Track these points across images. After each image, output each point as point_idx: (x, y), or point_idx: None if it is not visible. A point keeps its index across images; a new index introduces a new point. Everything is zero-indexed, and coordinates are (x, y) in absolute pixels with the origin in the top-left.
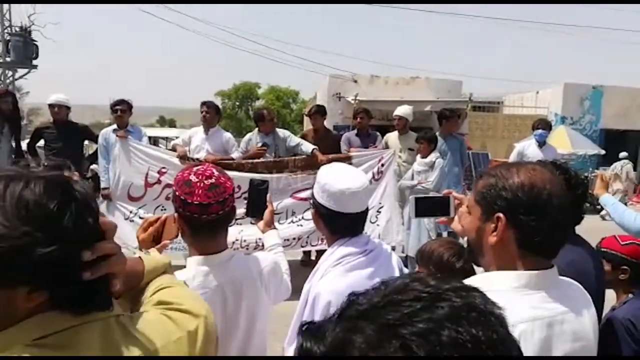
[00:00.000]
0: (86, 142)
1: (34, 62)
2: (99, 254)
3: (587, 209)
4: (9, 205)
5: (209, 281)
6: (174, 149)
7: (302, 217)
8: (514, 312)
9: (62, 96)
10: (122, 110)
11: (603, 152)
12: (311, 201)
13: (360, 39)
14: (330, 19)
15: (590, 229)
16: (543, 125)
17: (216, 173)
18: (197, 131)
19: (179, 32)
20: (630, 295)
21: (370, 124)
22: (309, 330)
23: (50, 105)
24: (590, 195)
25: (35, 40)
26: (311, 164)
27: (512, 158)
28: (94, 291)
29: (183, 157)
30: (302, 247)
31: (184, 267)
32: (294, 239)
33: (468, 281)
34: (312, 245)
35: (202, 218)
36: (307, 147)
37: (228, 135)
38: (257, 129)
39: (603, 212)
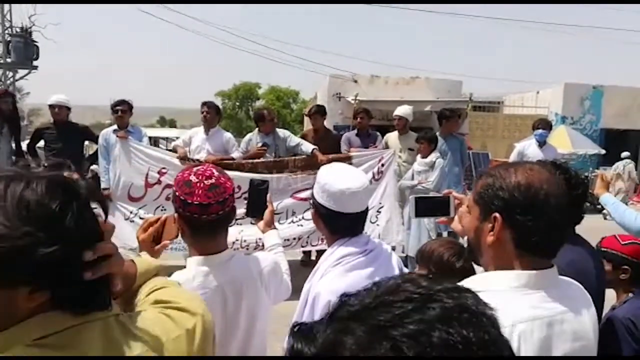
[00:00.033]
0: (86, 142)
1: (35, 62)
2: (100, 254)
3: (587, 209)
4: (10, 206)
5: (209, 281)
6: (174, 150)
7: (302, 217)
8: (513, 311)
9: (62, 97)
10: (122, 110)
11: (603, 151)
12: (311, 201)
13: (360, 39)
14: (330, 19)
15: (590, 228)
16: (543, 125)
17: (216, 173)
18: (197, 131)
19: (178, 32)
20: (631, 295)
21: (371, 124)
22: (300, 331)
23: (51, 106)
24: (590, 194)
25: (35, 41)
26: (311, 164)
27: (513, 158)
28: (95, 291)
29: (183, 158)
30: (302, 247)
31: (184, 267)
32: (294, 239)
33: (468, 281)
34: (312, 245)
35: (202, 218)
36: (307, 147)
37: (228, 135)
38: (257, 129)
39: (605, 212)
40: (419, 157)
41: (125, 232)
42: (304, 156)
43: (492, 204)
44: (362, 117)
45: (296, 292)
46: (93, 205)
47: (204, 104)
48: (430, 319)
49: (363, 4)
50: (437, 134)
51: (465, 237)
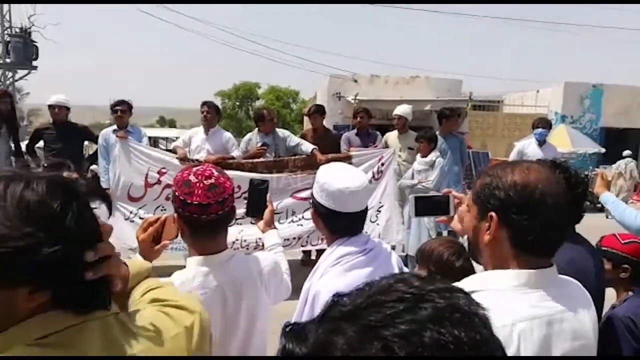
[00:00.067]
0: (86, 142)
1: (34, 63)
2: (100, 255)
3: (587, 208)
4: (10, 206)
5: (209, 281)
6: (174, 151)
7: (302, 217)
8: (513, 310)
9: (61, 97)
10: (122, 110)
11: (603, 150)
12: (311, 201)
13: (359, 39)
14: (330, 18)
15: (590, 227)
16: (543, 124)
17: (215, 173)
18: (197, 131)
19: (178, 32)
20: (630, 294)
21: (370, 123)
22: (291, 331)
23: (50, 106)
24: (590, 193)
25: (35, 41)
26: (311, 164)
27: (512, 157)
28: (96, 291)
29: (183, 159)
30: (302, 246)
31: (184, 267)
32: (294, 238)
33: (468, 280)
34: (312, 245)
35: (201, 218)
36: (307, 146)
37: (228, 134)
38: (257, 129)
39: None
40: (418, 156)
41: (125, 232)
42: (303, 156)
43: (489, 203)
44: (361, 116)
45: (296, 292)
46: (93, 205)
47: (204, 103)
48: (422, 319)
49: (363, 3)
50: (437, 133)
51: (465, 236)
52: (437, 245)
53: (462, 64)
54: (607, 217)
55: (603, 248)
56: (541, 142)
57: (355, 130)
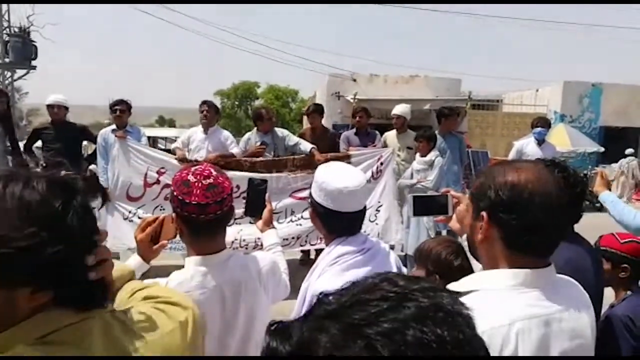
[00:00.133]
0: (85, 142)
1: (33, 62)
2: (100, 258)
3: (586, 207)
4: (11, 206)
5: (208, 281)
6: (174, 153)
7: (301, 217)
8: (511, 310)
9: (60, 96)
10: (121, 110)
11: (602, 149)
12: (309, 200)
13: (359, 38)
14: (329, 18)
15: (590, 226)
16: (542, 123)
17: (214, 173)
18: (195, 131)
19: (178, 31)
20: (629, 293)
21: (370, 122)
22: (276, 329)
23: (49, 106)
24: (589, 192)
25: (34, 41)
26: (310, 163)
27: (511, 156)
28: (95, 289)
29: (182, 160)
30: (301, 246)
31: (183, 267)
32: (293, 238)
33: (465, 279)
34: (311, 245)
35: (200, 218)
36: (306, 146)
37: (227, 133)
38: (255, 128)
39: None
40: (418, 155)
41: (124, 231)
42: (302, 155)
43: (481, 202)
44: (361, 116)
45: (295, 291)
46: (92, 205)
47: (204, 102)
48: (405, 317)
49: (363, 3)
50: (436, 132)
51: (464, 236)
52: (435, 245)
53: (461, 63)
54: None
55: (602, 247)
56: (540, 141)
57: (354, 130)
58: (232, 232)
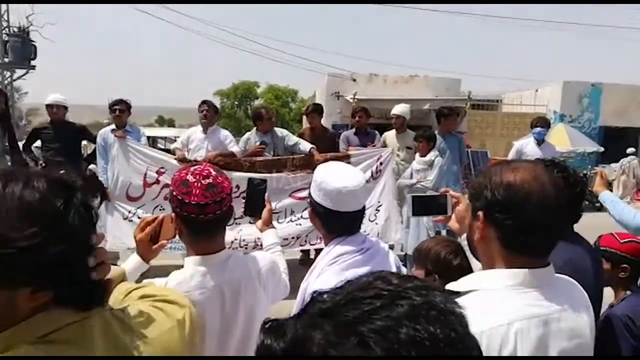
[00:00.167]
0: (84, 142)
1: (32, 62)
2: (100, 260)
3: (585, 207)
4: (11, 206)
5: (207, 281)
6: (173, 153)
7: (301, 216)
8: (509, 310)
9: (59, 96)
10: (120, 110)
11: (602, 149)
12: (308, 200)
13: (359, 38)
14: (329, 17)
15: (589, 226)
16: (542, 123)
17: (213, 173)
18: (195, 130)
19: (177, 31)
20: (629, 293)
21: (369, 122)
22: (270, 327)
23: (48, 106)
24: (589, 192)
25: (33, 41)
26: (310, 163)
27: (511, 156)
28: (95, 288)
29: (182, 160)
30: (301, 245)
31: (182, 267)
32: (293, 237)
33: (464, 279)
34: (311, 244)
35: (199, 218)
36: (305, 146)
37: (226, 132)
38: (255, 128)
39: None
40: (417, 155)
41: (123, 231)
42: (302, 155)
43: (478, 201)
44: (360, 115)
45: (295, 291)
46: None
47: (203, 102)
48: (398, 315)
49: (362, 3)
50: (436, 132)
51: (464, 235)
52: (434, 245)
53: (461, 63)
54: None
55: (602, 247)
56: (540, 141)
57: (353, 130)
58: (232, 232)
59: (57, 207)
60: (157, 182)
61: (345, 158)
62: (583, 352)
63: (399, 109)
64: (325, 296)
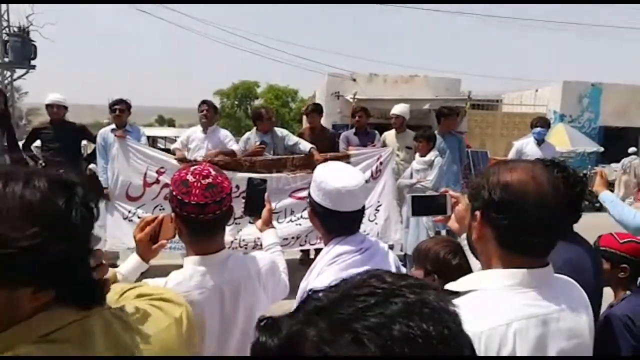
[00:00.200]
0: (84, 142)
1: (32, 62)
2: (99, 261)
3: (585, 207)
4: (12, 206)
5: (207, 281)
6: (174, 154)
7: (301, 216)
8: (508, 310)
9: (59, 96)
10: (120, 109)
11: (602, 149)
12: (308, 200)
13: (359, 38)
14: (329, 17)
15: (590, 226)
16: (542, 123)
17: (213, 173)
18: (195, 130)
19: (177, 31)
20: (628, 293)
21: (369, 122)
22: (265, 324)
23: (48, 105)
24: (589, 192)
25: (33, 41)
26: (310, 163)
27: (511, 156)
28: (95, 287)
29: (182, 160)
30: (301, 245)
31: (182, 266)
32: (293, 237)
33: (463, 279)
34: (311, 244)
35: (199, 218)
36: (305, 146)
37: (225, 132)
38: (255, 127)
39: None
40: (417, 155)
41: (123, 231)
42: (302, 155)
43: (476, 201)
44: (360, 115)
45: (294, 291)
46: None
47: (203, 102)
48: (392, 313)
49: (362, 3)
50: (436, 132)
51: (463, 235)
52: (433, 245)
53: (461, 63)
54: None
55: (601, 248)
56: (540, 141)
57: (353, 130)
58: (232, 232)
59: (58, 207)
60: (157, 181)
61: (345, 158)
62: (582, 352)
63: (398, 109)
64: (320, 294)
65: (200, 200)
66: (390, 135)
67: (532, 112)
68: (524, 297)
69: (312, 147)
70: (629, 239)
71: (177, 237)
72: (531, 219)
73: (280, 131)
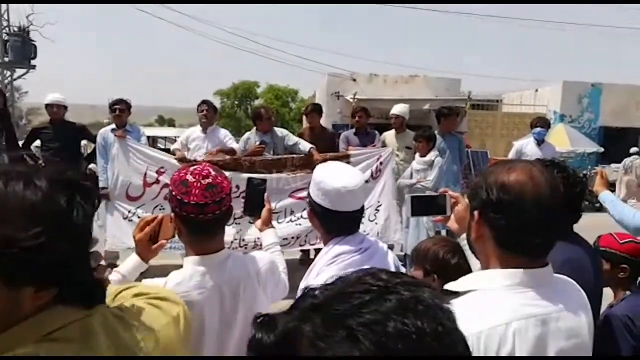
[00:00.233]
0: (84, 142)
1: (32, 62)
2: (98, 262)
3: (585, 207)
4: (14, 206)
5: (206, 281)
6: (174, 154)
7: (301, 216)
8: (508, 309)
9: (58, 95)
10: (120, 109)
11: (602, 149)
12: (307, 200)
13: (359, 38)
14: (329, 17)
15: (590, 226)
16: (541, 123)
17: (213, 173)
18: (194, 130)
19: (177, 31)
20: (628, 293)
21: (369, 122)
22: (262, 321)
23: (48, 105)
24: (589, 192)
25: (33, 40)
26: (310, 163)
27: (511, 156)
28: (96, 286)
29: (182, 160)
30: (301, 245)
31: (181, 266)
32: (293, 237)
33: (463, 279)
34: (311, 244)
35: (198, 218)
36: (305, 145)
37: (225, 131)
38: (255, 127)
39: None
40: (417, 155)
41: (123, 231)
42: (302, 155)
43: (474, 201)
44: (360, 115)
45: (294, 291)
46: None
47: (203, 102)
48: (386, 309)
49: (362, 3)
50: (436, 132)
51: (463, 235)
52: (431, 245)
53: (460, 63)
54: None
55: (601, 248)
56: (540, 141)
57: (353, 130)
58: (231, 232)
59: (60, 206)
60: (157, 181)
61: (345, 158)
62: (581, 352)
63: (397, 109)
64: (316, 292)
65: (200, 200)
66: (389, 135)
67: (532, 112)
68: (524, 297)
69: (311, 147)
70: (628, 239)
71: (176, 237)
72: (529, 219)
73: (280, 131)
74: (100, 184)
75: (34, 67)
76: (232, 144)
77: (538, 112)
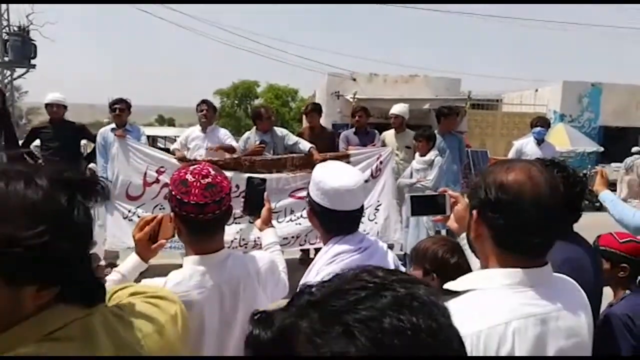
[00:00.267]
0: (84, 141)
1: (32, 61)
2: (97, 263)
3: (585, 206)
4: (16, 205)
5: (206, 280)
6: (173, 154)
7: (301, 216)
8: (507, 309)
9: (58, 95)
10: (120, 109)
11: (602, 149)
12: (307, 199)
13: (359, 38)
14: (329, 17)
15: (590, 226)
16: (542, 123)
17: (213, 172)
18: (194, 130)
19: (177, 31)
20: (628, 292)
21: (369, 122)
22: (259, 318)
23: (48, 105)
24: (589, 192)
25: (33, 40)
26: (310, 163)
27: (511, 156)
28: (97, 285)
29: (182, 159)
30: (301, 245)
31: (181, 266)
32: (293, 237)
33: (462, 279)
34: (311, 244)
35: (198, 218)
36: (305, 145)
37: (224, 130)
38: (255, 127)
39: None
40: (417, 155)
41: (123, 230)
42: (302, 155)
43: (473, 200)
44: (360, 115)
45: (294, 290)
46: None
47: (203, 102)
48: (382, 306)
49: (362, 3)
50: (436, 132)
51: (463, 235)
52: (431, 244)
53: (460, 63)
54: None
55: (601, 247)
56: (540, 141)
57: (353, 129)
58: (231, 232)
59: (61, 205)
60: (157, 181)
61: (345, 157)
62: (581, 351)
63: (397, 109)
64: (313, 289)
65: (200, 200)
66: (389, 135)
67: (532, 112)
68: (523, 296)
69: (311, 147)
70: (628, 239)
71: (176, 236)
72: (527, 219)
73: (280, 130)
74: None
75: (34, 66)
76: (231, 143)
77: (538, 111)
